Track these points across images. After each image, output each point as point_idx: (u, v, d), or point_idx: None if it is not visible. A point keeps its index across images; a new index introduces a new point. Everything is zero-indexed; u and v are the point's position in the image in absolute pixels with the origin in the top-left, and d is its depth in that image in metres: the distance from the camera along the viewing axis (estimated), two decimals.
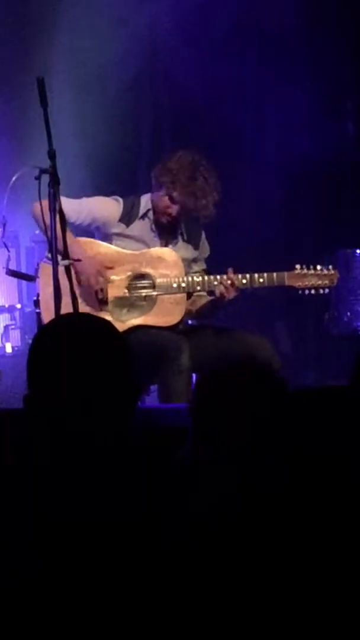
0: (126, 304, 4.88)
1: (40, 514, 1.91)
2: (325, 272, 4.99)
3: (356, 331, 6.45)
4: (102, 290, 4.84)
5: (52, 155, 4.20)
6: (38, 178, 4.21)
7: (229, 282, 4.80)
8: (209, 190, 4.81)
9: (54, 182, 4.20)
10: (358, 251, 6.40)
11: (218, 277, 4.85)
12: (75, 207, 4.83)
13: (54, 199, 4.20)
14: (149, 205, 4.92)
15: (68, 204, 4.72)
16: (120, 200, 4.93)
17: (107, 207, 4.91)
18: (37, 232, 6.28)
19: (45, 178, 4.22)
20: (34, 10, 6.89)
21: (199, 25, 7.00)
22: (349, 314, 6.44)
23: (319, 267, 4.98)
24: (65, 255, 4.28)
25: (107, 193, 5.09)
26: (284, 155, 7.16)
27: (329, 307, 6.49)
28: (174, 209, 4.85)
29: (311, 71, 7.02)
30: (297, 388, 2.01)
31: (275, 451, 1.91)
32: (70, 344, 2.04)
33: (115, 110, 6.87)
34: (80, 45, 6.90)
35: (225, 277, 4.83)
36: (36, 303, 4.86)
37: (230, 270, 4.84)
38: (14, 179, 4.49)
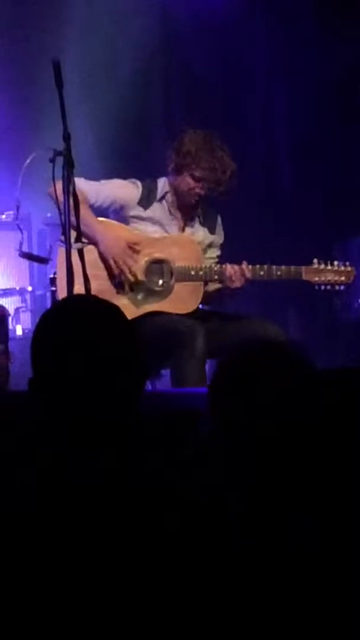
0: (143, 289, 4.87)
1: (46, 495, 1.91)
2: (342, 268, 4.98)
3: None
4: (124, 272, 4.82)
5: (66, 137, 4.19)
6: (52, 160, 4.21)
7: (239, 271, 4.80)
8: (228, 161, 4.82)
9: (68, 165, 4.19)
10: None
11: (236, 266, 4.85)
12: (94, 189, 4.83)
13: (67, 181, 4.20)
14: (167, 188, 4.92)
15: (87, 186, 4.75)
16: (139, 183, 4.93)
17: (126, 190, 4.91)
18: (49, 214, 6.28)
19: (60, 160, 4.22)
20: None
21: (210, 10, 6.98)
22: (359, 301, 6.43)
23: (336, 262, 4.97)
24: (78, 238, 4.28)
25: (119, 176, 5.09)
26: (295, 141, 7.14)
27: (339, 294, 6.48)
28: (201, 188, 4.85)
29: (322, 54, 6.99)
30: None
31: (300, 437, 1.91)
32: (74, 326, 2.04)
33: (127, 95, 6.86)
34: (92, 29, 6.89)
35: (238, 266, 4.84)
36: (52, 281, 4.83)
37: (244, 262, 4.85)
38: (28, 160, 4.49)
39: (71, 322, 2.06)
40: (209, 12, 6.95)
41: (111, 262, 4.79)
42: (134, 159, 6.49)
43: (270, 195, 7.18)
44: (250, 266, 4.84)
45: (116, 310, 2.13)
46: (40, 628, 1.81)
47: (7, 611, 1.83)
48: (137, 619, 1.79)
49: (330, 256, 5.10)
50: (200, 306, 5.08)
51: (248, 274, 4.81)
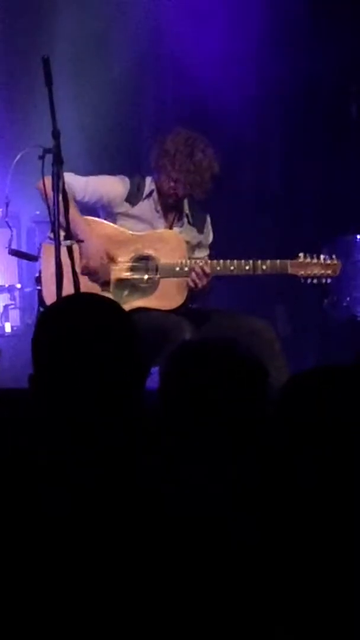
0: (128, 285, 4.88)
1: (40, 492, 1.91)
2: (329, 261, 4.99)
3: (355, 317, 6.45)
4: (104, 271, 4.85)
5: (56, 134, 4.20)
6: (42, 157, 4.21)
7: (200, 269, 4.80)
8: (207, 164, 4.83)
9: (58, 162, 4.20)
10: (358, 237, 6.39)
11: (221, 261, 4.86)
12: (81, 185, 4.84)
13: (57, 178, 4.20)
14: (153, 186, 4.94)
15: (75, 181, 4.76)
16: (127, 179, 4.94)
17: (114, 186, 4.92)
18: (37, 212, 6.28)
19: (49, 158, 4.22)
20: None
21: (203, 7, 6.97)
22: (348, 299, 6.44)
23: (322, 256, 4.98)
24: (68, 235, 4.28)
25: (109, 174, 5.09)
26: (284, 141, 7.15)
27: (328, 293, 6.49)
28: (179, 189, 4.87)
29: (315, 53, 6.99)
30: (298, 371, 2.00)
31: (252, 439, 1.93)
32: (76, 322, 2.04)
33: (117, 92, 6.86)
34: (83, 26, 6.88)
35: (222, 262, 4.85)
36: (37, 280, 4.85)
37: (204, 260, 4.89)
38: (17, 158, 4.49)
39: (71, 318, 2.06)
40: (202, 9, 6.94)
41: (85, 263, 4.78)
42: (124, 157, 6.50)
43: (259, 195, 7.18)
44: (222, 261, 4.85)
45: (116, 306, 2.13)
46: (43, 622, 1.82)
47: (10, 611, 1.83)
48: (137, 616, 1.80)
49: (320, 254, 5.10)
50: (192, 305, 5.09)
51: (207, 270, 4.82)
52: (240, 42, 6.97)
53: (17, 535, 1.86)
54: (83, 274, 4.70)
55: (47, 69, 4.16)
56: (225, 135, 6.51)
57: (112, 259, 4.87)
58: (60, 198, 4.20)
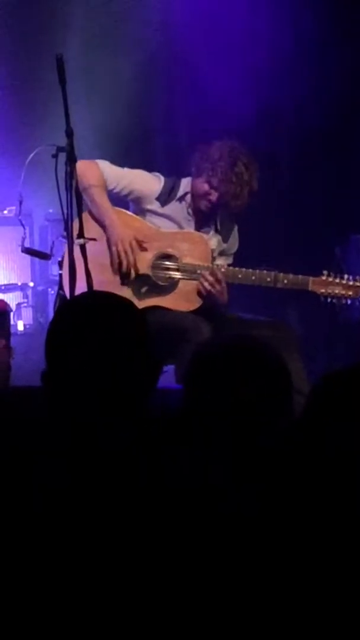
0: (147, 282, 4.85)
1: (54, 488, 1.91)
2: (352, 282, 4.88)
3: None
4: (126, 260, 4.81)
5: (69, 133, 4.20)
6: (55, 156, 4.21)
7: (210, 274, 4.77)
8: (247, 178, 4.79)
9: (71, 161, 4.20)
10: None
11: (243, 269, 4.83)
12: (116, 175, 4.83)
13: (70, 177, 4.20)
14: (188, 189, 4.89)
15: (110, 171, 4.77)
16: (162, 178, 4.91)
17: (147, 182, 4.89)
18: (50, 210, 6.29)
19: (62, 156, 4.22)
20: None
21: (213, 5, 6.98)
22: None
23: (346, 276, 4.88)
24: (81, 234, 4.29)
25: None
26: (295, 139, 7.15)
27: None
28: (214, 196, 4.82)
29: (326, 49, 6.99)
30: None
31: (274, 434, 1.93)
32: (88, 320, 2.05)
33: (129, 90, 6.87)
34: (94, 23, 6.89)
35: (244, 270, 4.82)
36: (60, 264, 4.80)
37: (225, 265, 4.85)
38: (30, 156, 4.49)
39: (85, 317, 2.07)
40: (212, 7, 6.95)
41: (114, 248, 4.77)
42: (137, 155, 6.49)
43: (270, 195, 7.17)
44: (243, 269, 4.82)
45: (130, 305, 2.14)
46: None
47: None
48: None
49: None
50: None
51: (219, 275, 4.78)
52: (252, 39, 6.98)
53: (20, 515, 1.88)
54: (103, 266, 4.70)
55: (61, 68, 4.15)
56: (235, 133, 6.50)
57: (137, 253, 4.83)
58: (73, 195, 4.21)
